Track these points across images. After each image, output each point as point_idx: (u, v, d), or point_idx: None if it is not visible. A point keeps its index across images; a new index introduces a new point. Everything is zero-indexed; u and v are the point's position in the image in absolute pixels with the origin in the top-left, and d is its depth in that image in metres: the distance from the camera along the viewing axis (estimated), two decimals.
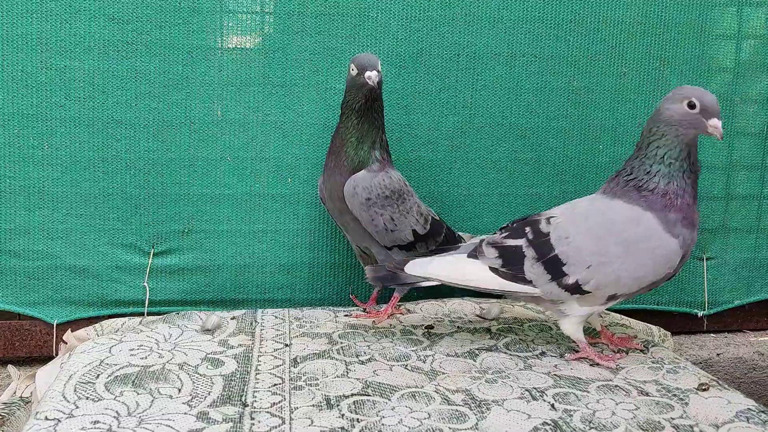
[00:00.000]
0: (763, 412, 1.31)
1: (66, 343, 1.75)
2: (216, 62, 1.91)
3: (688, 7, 2.05)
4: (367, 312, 1.86)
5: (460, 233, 1.93)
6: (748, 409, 1.32)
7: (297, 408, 1.31)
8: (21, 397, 1.64)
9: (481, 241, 1.59)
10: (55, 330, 1.92)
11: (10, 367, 1.79)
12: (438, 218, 1.87)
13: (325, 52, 1.94)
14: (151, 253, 1.95)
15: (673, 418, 1.29)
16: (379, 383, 1.42)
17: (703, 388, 1.42)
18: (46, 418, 1.24)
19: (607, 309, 1.95)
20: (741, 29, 2.10)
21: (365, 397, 1.36)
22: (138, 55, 1.87)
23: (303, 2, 1.92)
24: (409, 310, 1.90)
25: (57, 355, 1.84)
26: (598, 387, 1.42)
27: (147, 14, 1.85)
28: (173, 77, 1.89)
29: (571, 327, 1.56)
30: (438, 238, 1.84)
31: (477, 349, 1.62)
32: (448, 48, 1.99)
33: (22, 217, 1.88)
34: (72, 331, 1.79)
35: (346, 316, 1.83)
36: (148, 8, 1.85)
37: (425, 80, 1.99)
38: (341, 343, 1.65)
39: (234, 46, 1.93)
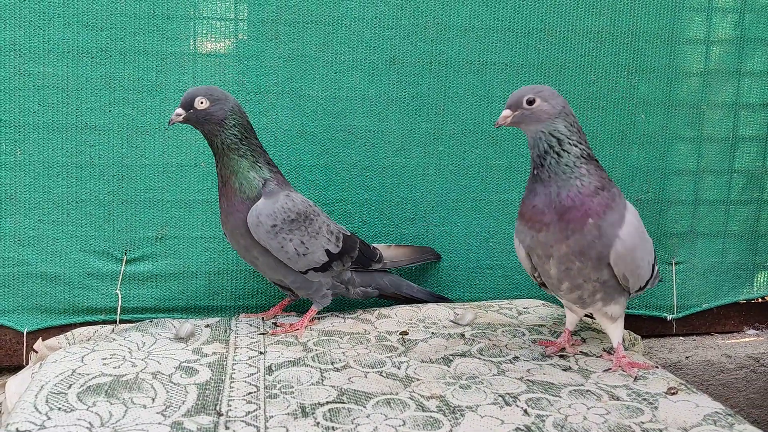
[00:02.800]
0: (729, 415, 1.32)
1: (37, 352, 1.72)
2: (190, 69, 1.89)
3: (657, 15, 2.07)
4: (278, 326, 1.78)
5: (375, 244, 1.94)
6: (716, 412, 1.33)
7: (272, 417, 1.29)
8: None
9: None
10: (25, 338, 1.88)
11: None
12: (349, 233, 1.84)
13: (299, 59, 1.94)
14: (124, 260, 1.92)
15: (643, 422, 1.30)
16: (354, 390, 1.41)
17: (672, 392, 1.43)
18: (18, 430, 1.21)
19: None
20: (709, 35, 2.12)
21: (340, 405, 1.35)
22: (112, 61, 1.84)
23: (277, 10, 1.91)
24: (384, 315, 1.89)
25: (27, 364, 1.81)
26: (570, 392, 1.43)
27: (121, 21, 1.83)
28: (147, 83, 1.87)
29: None
30: (352, 254, 1.82)
31: (451, 355, 1.62)
32: (420, 56, 1.99)
33: None
34: (43, 340, 1.76)
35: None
36: (122, 15, 1.83)
37: (398, 87, 1.99)
38: (316, 350, 1.64)
39: (208, 52, 1.91)
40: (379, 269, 1.90)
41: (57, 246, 1.88)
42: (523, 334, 1.77)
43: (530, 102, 1.44)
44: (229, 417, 1.29)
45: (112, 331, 1.75)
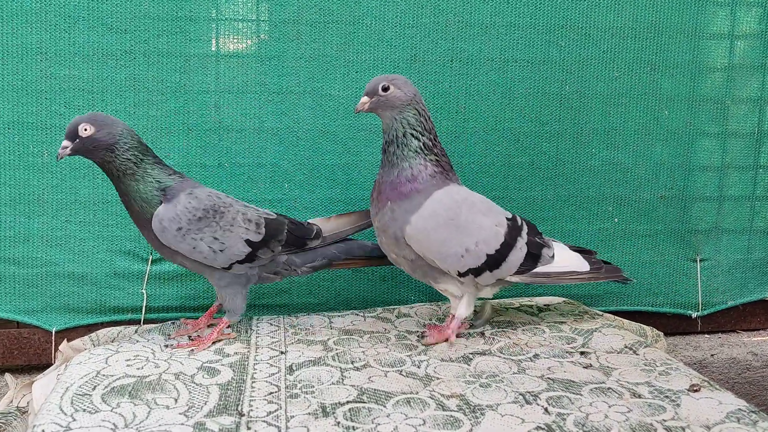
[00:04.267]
0: (753, 412, 1.30)
1: (62, 353, 1.74)
2: (213, 70, 1.91)
3: (680, 9, 2.04)
4: (192, 339, 1.71)
5: (313, 219, 1.81)
6: (739, 409, 1.31)
7: (293, 416, 1.30)
8: (18, 407, 1.63)
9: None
10: (53, 338, 1.92)
11: (8, 376, 1.78)
12: (275, 216, 1.72)
13: (321, 59, 1.94)
14: (150, 260, 1.94)
15: (665, 420, 1.28)
16: (375, 390, 1.41)
17: (695, 389, 1.41)
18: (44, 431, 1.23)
19: (601, 310, 1.96)
20: (733, 30, 2.08)
21: (360, 404, 1.35)
22: (136, 63, 1.86)
23: (298, 10, 1.91)
24: (404, 314, 1.89)
25: (55, 362, 1.83)
26: (591, 390, 1.42)
27: (144, 23, 1.85)
28: (170, 85, 1.88)
29: None
30: (280, 237, 1.70)
31: (471, 354, 1.61)
32: (441, 54, 1.98)
33: (22, 224, 1.87)
34: (69, 339, 1.78)
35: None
36: (145, 18, 1.85)
37: (419, 86, 1.96)
38: (336, 349, 1.64)
39: (230, 53, 1.92)
40: (318, 245, 1.77)
41: (84, 246, 1.91)
42: (544, 332, 1.76)
43: (385, 89, 1.57)
44: (251, 417, 1.29)
45: (136, 332, 1.77)
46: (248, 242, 1.66)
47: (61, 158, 1.55)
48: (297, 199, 1.99)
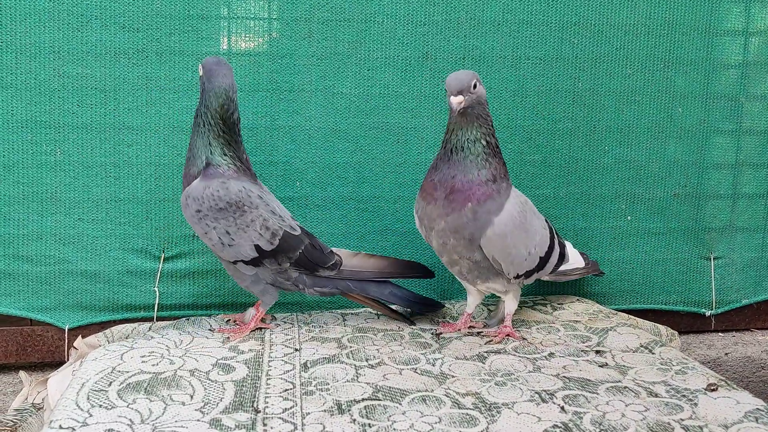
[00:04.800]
0: None
1: (77, 350, 1.74)
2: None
3: (694, 6, 2.03)
4: (235, 323, 1.78)
5: (338, 249, 1.78)
6: (757, 408, 1.31)
7: (309, 413, 1.30)
8: (33, 403, 1.64)
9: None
10: (66, 335, 1.92)
11: (22, 373, 1.78)
12: (298, 233, 1.70)
13: (332, 56, 1.93)
14: (162, 258, 1.94)
15: (682, 419, 1.28)
16: (390, 387, 1.41)
17: (712, 388, 1.40)
18: (61, 427, 1.23)
19: (613, 309, 1.96)
20: (748, 26, 2.07)
21: (376, 402, 1.34)
22: (148, 62, 1.86)
23: (309, 8, 1.91)
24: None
25: (68, 360, 1.83)
26: (608, 388, 1.41)
27: (157, 22, 1.85)
28: (183, 83, 1.88)
29: None
30: (291, 255, 1.68)
31: (486, 352, 1.61)
32: (453, 51, 1.98)
33: (35, 222, 1.87)
34: (83, 337, 1.78)
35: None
36: (157, 16, 1.85)
37: (431, 83, 1.98)
38: (350, 347, 1.64)
39: (242, 51, 1.92)
40: (332, 276, 1.75)
41: (97, 244, 1.91)
42: (558, 330, 1.75)
43: (475, 86, 1.54)
44: (267, 414, 1.29)
45: (150, 329, 1.77)
46: (257, 248, 1.66)
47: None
48: (308, 197, 1.98)
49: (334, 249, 1.77)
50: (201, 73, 1.66)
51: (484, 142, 1.57)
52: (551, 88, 2.02)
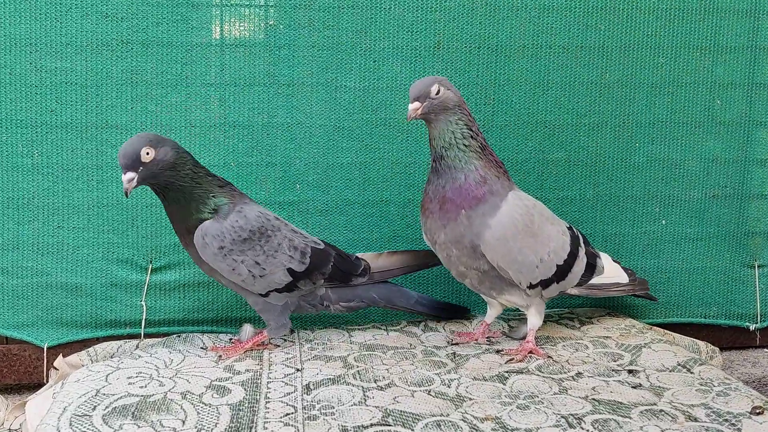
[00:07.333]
0: None
1: (57, 370, 1.74)
2: (217, 61, 1.91)
3: None
4: (231, 342, 1.79)
5: (362, 254, 1.85)
6: None
7: None
8: (10, 429, 1.64)
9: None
10: (45, 354, 1.92)
11: None
12: (323, 246, 1.75)
13: (335, 47, 1.94)
14: (149, 269, 1.95)
15: None
16: (401, 411, 1.41)
17: (757, 411, 1.40)
18: None
19: (647, 323, 1.95)
20: None
21: (386, 428, 1.34)
22: (134, 54, 1.87)
23: None
24: (431, 328, 1.89)
25: (47, 381, 1.84)
26: (642, 412, 1.40)
27: (143, 10, 1.85)
28: (171, 77, 1.89)
29: None
30: (324, 270, 1.74)
31: (507, 372, 1.61)
32: (467, 40, 1.98)
33: (11, 230, 1.88)
34: (63, 356, 1.78)
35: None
36: (143, 4, 1.85)
37: (443, 75, 1.97)
38: (357, 366, 1.64)
39: (236, 42, 1.92)
40: (363, 283, 1.81)
41: (78, 254, 1.91)
42: (587, 348, 1.75)
43: (437, 91, 1.62)
44: None
45: (137, 347, 1.78)
46: (290, 271, 1.69)
47: (129, 193, 1.55)
48: (310, 201, 1.99)
49: (358, 255, 1.85)
50: (153, 155, 1.56)
51: (462, 146, 1.64)
52: (576, 79, 2.02)
